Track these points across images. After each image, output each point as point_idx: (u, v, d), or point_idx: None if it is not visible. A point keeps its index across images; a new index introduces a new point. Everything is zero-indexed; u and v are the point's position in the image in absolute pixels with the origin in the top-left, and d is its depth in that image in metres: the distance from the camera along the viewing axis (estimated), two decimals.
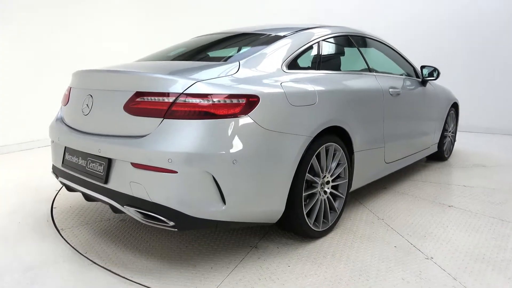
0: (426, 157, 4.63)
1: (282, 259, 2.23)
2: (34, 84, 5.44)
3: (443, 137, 4.42)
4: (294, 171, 2.18)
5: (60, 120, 2.56)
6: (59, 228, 2.66)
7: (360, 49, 3.22)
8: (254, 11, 7.55)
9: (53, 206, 3.10)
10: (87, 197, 2.34)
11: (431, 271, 2.10)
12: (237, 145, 1.94)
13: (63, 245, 2.41)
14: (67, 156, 2.37)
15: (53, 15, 5.64)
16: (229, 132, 1.93)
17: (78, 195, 3.33)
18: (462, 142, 5.68)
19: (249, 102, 2.00)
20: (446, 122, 4.43)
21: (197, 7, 7.77)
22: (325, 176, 2.48)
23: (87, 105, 2.26)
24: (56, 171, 2.54)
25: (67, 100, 2.55)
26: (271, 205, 2.13)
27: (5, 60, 5.15)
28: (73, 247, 2.38)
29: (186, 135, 1.87)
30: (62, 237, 2.53)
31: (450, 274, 2.06)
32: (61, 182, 2.50)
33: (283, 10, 7.49)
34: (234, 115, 1.94)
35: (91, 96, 2.26)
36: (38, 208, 3.07)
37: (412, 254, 2.28)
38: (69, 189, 2.48)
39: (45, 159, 4.74)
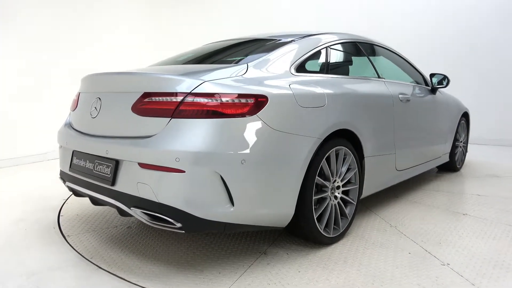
0: (438, 168, 4.55)
1: (292, 265, 2.16)
2: (43, 95, 5.51)
3: (454, 147, 4.34)
4: (304, 173, 2.14)
5: (68, 125, 2.56)
6: (65, 235, 2.63)
7: (369, 55, 3.21)
8: (260, 21, 7.65)
9: (60, 214, 3.08)
10: (94, 201, 2.31)
11: (448, 277, 2.01)
12: (245, 145, 1.90)
13: (68, 251, 2.37)
14: (75, 160, 2.36)
15: (60, 21, 5.77)
16: (238, 131, 1.90)
17: (86, 204, 3.31)
18: (474, 154, 5.58)
19: (258, 102, 1.97)
20: (457, 131, 4.36)
21: (205, 16, 7.90)
22: (335, 180, 2.43)
23: (95, 108, 2.26)
24: (64, 176, 2.52)
25: (75, 105, 2.56)
26: (280, 207, 2.08)
27: (13, 72, 5.24)
28: (78, 253, 2.34)
29: (193, 134, 1.84)
30: (68, 243, 2.49)
31: (468, 279, 1.98)
32: (68, 187, 2.48)
33: (288, 21, 7.58)
34: (243, 115, 1.92)
35: (99, 99, 2.26)
36: (45, 216, 3.05)
37: (428, 260, 2.20)
38: (76, 194, 2.46)
39: (53, 171, 4.75)
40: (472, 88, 6.55)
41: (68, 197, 3.54)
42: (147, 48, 7.06)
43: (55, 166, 5.00)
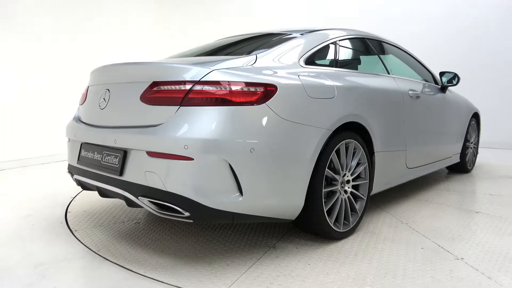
0: (448, 169, 4.49)
1: (301, 258, 2.11)
2: (51, 96, 5.55)
3: (465, 147, 4.28)
4: (313, 164, 2.11)
5: (77, 119, 2.57)
6: (72, 229, 2.61)
7: (378, 52, 3.18)
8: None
9: (68, 211, 3.07)
10: (102, 193, 2.29)
11: (463, 270, 1.95)
12: (254, 133, 1.88)
13: (75, 244, 2.35)
14: (83, 153, 2.35)
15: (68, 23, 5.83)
16: (246, 120, 1.88)
17: (93, 201, 3.30)
18: (484, 156, 5.49)
19: (267, 91, 1.96)
20: (467, 132, 4.30)
21: (212, 16, 7.92)
22: (345, 174, 2.39)
23: (104, 99, 2.26)
24: (72, 170, 2.51)
25: (84, 99, 2.56)
26: (290, 198, 2.05)
27: (26, 74, 5.29)
28: (85, 246, 2.32)
29: (202, 122, 1.83)
30: (75, 237, 2.47)
31: (484, 273, 1.92)
32: (76, 180, 2.47)
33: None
34: (251, 103, 1.90)
35: (108, 90, 2.26)
36: (53, 212, 3.04)
37: (441, 255, 2.14)
38: (84, 187, 2.45)
39: (61, 171, 4.77)
40: (483, 90, 6.47)
41: (76, 195, 3.54)
42: (153, 48, 7.09)
43: (63, 166, 5.02)
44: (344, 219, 2.40)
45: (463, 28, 6.63)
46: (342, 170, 2.36)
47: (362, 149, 2.48)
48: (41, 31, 5.41)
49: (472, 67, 6.54)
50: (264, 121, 1.92)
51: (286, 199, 2.04)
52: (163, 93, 1.95)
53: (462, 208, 3.04)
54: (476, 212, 2.93)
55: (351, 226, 2.44)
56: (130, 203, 2.06)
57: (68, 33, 5.77)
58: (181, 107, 1.88)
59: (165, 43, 7.33)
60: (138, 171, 1.95)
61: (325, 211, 2.21)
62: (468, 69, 6.44)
